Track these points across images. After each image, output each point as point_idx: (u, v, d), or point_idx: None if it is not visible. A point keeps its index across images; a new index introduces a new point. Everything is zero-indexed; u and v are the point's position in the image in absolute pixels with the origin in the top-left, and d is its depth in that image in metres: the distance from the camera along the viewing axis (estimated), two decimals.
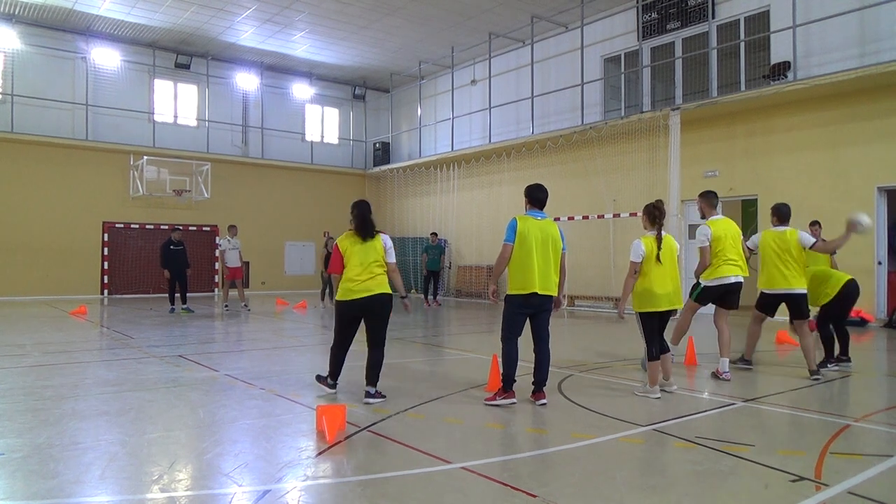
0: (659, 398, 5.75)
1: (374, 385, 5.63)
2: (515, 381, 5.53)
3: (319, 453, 4.17)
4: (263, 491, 3.51)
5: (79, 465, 3.90)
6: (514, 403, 5.45)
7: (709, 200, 7.19)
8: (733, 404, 5.58)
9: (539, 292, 5.45)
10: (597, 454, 4.25)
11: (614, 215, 15.06)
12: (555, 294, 5.60)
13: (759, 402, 5.68)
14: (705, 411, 5.39)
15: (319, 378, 6.02)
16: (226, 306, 15.25)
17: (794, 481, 3.67)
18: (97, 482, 3.64)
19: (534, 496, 3.41)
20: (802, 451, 4.25)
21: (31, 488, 3.53)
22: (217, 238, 15.18)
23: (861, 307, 12.00)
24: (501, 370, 5.57)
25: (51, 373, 6.96)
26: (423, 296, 18.33)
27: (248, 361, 7.97)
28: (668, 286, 5.86)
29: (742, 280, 6.91)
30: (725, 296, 6.93)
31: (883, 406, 5.82)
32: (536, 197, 5.72)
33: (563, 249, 5.71)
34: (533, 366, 5.61)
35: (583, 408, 5.48)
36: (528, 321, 5.63)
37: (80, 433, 4.60)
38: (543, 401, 5.51)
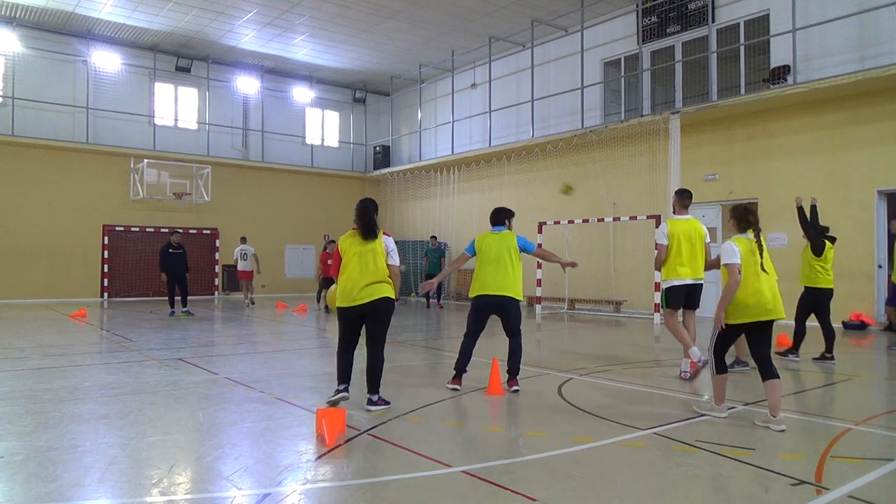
0: (725, 418, 5.15)
1: (376, 392, 5.48)
2: (466, 371, 6.35)
3: (319, 457, 4.17)
4: (263, 494, 3.51)
5: (78, 469, 3.90)
6: (457, 390, 6.18)
7: (680, 199, 7.11)
8: (734, 408, 5.56)
9: (490, 293, 6.29)
10: (597, 458, 4.24)
11: (614, 219, 15.06)
12: (510, 294, 6.26)
13: (760, 406, 5.65)
14: (705, 414, 5.39)
15: (330, 403, 5.39)
16: (252, 301, 17.01)
17: (794, 485, 3.67)
18: (97, 485, 3.64)
19: (534, 500, 3.40)
20: (803, 455, 4.25)
21: (31, 491, 3.52)
22: (244, 245, 17.02)
23: (861, 311, 12.02)
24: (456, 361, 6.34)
25: (50, 376, 6.95)
26: (423, 299, 18.33)
27: (248, 364, 7.96)
28: (766, 294, 4.95)
29: (697, 282, 6.90)
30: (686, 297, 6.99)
31: (883, 409, 5.82)
32: (492, 219, 6.63)
33: (529, 250, 6.44)
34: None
35: (583, 411, 5.48)
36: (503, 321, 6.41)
37: (80, 436, 4.59)
38: (516, 388, 6.14)
